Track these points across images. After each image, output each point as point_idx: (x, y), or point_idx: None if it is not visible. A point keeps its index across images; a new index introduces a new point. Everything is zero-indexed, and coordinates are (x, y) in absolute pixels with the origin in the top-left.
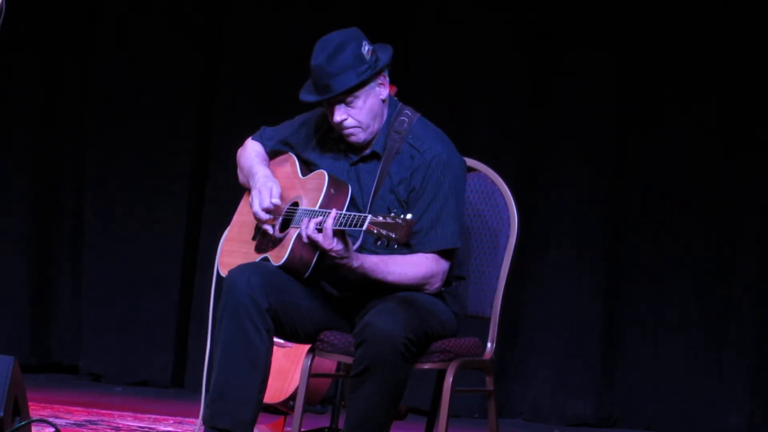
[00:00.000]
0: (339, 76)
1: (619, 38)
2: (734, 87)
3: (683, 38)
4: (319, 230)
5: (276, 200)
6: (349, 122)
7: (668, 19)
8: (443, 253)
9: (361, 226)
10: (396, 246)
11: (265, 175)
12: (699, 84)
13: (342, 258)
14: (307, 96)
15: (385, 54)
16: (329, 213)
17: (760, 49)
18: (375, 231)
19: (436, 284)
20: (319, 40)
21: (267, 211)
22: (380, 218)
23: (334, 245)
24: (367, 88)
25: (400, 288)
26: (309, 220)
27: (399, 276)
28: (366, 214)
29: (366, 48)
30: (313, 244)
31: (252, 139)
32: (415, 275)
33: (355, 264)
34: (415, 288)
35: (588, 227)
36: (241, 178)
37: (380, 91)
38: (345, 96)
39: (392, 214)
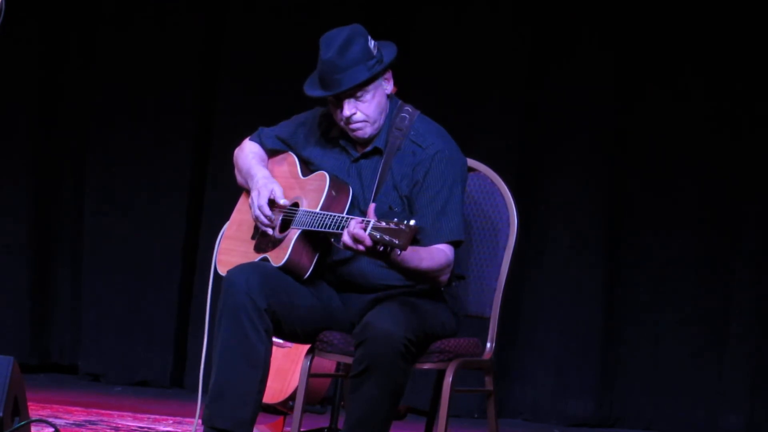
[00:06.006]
0: (350, 70)
1: (619, 40)
2: (734, 86)
3: (684, 38)
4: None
5: (283, 201)
6: (358, 116)
7: (668, 15)
8: (453, 245)
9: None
10: (399, 253)
11: (264, 176)
12: (698, 83)
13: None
14: (314, 91)
15: (390, 51)
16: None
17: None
18: (378, 236)
19: (448, 275)
20: (323, 36)
21: (266, 215)
22: (383, 224)
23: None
24: (375, 82)
25: (424, 275)
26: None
27: (430, 262)
28: (369, 219)
29: (372, 43)
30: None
31: (249, 140)
32: (440, 263)
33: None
34: (436, 275)
35: (587, 227)
36: (239, 178)
37: (386, 86)
38: (356, 90)
39: (395, 220)
